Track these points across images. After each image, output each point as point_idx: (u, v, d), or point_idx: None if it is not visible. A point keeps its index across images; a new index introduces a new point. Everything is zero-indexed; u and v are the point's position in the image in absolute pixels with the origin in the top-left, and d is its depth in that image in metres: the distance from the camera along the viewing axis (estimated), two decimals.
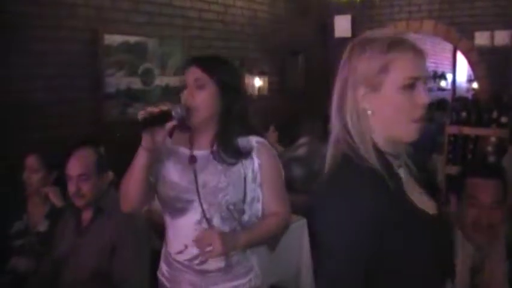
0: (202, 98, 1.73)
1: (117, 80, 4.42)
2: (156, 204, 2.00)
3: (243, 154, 1.76)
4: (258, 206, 1.82)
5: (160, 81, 4.80)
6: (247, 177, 1.77)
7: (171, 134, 1.85)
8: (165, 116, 1.65)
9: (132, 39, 4.53)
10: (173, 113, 1.65)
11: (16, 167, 2.84)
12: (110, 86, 4.37)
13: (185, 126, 1.77)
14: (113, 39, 4.36)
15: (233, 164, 1.76)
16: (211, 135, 1.79)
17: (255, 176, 1.78)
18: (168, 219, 1.87)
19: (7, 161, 3.24)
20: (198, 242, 1.67)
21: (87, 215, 2.41)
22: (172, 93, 4.86)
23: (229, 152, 1.75)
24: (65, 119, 4.02)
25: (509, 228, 2.20)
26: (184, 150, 1.82)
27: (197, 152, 1.80)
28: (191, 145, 1.81)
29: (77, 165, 2.36)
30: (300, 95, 6.63)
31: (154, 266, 2.43)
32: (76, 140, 3.29)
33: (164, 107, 1.65)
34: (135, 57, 4.58)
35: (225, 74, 1.78)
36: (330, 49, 7.39)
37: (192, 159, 1.79)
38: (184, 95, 1.75)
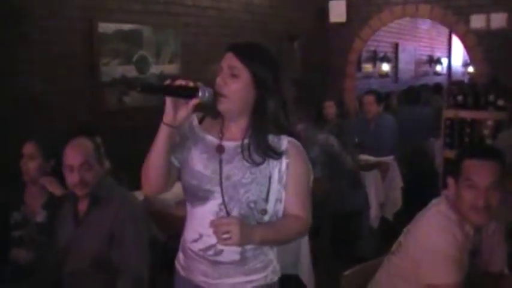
0: (234, 87, 1.66)
1: (113, 69, 4.40)
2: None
3: (273, 154, 1.70)
4: (281, 207, 1.76)
5: (155, 69, 4.78)
6: (272, 177, 1.71)
7: (201, 120, 1.83)
8: (189, 91, 1.59)
9: (127, 27, 4.50)
10: (200, 93, 1.59)
11: (14, 157, 2.83)
12: (106, 75, 4.35)
13: (211, 111, 1.73)
14: (108, 27, 4.33)
15: (260, 164, 1.70)
16: (242, 127, 1.74)
17: (282, 176, 1.72)
18: (188, 207, 1.83)
19: (4, 150, 3.23)
20: (216, 226, 1.59)
21: (84, 205, 2.42)
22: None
23: (260, 148, 1.69)
24: (61, 108, 4.00)
25: (508, 210, 2.21)
26: (213, 139, 1.77)
27: (226, 143, 1.75)
28: (222, 134, 1.76)
29: (78, 154, 2.36)
30: (296, 80, 6.60)
31: (154, 252, 2.46)
32: (73, 129, 3.28)
33: (191, 83, 1.60)
34: (130, 46, 4.56)
35: (262, 66, 1.69)
36: (326, 34, 7.37)
37: (220, 149, 1.74)
38: (218, 80, 1.68)
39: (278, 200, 1.74)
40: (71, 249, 2.39)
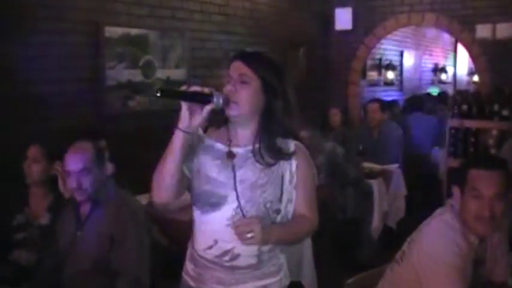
0: (245, 93, 1.72)
1: (118, 73, 4.40)
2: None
3: (284, 155, 1.77)
4: (291, 208, 1.81)
5: (161, 74, 4.78)
6: (284, 178, 1.77)
7: (205, 130, 1.85)
8: (205, 97, 1.65)
9: (133, 31, 4.51)
10: (214, 98, 1.64)
11: (17, 159, 2.84)
12: (111, 79, 4.35)
13: (222, 117, 1.78)
14: (114, 31, 4.34)
15: (272, 165, 1.75)
16: (250, 133, 1.79)
17: (292, 177, 1.78)
18: (197, 215, 1.83)
19: (8, 152, 3.23)
20: (238, 227, 1.64)
21: (86, 208, 2.43)
22: (173, 86, 4.85)
23: (271, 151, 1.75)
24: (66, 111, 4.00)
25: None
26: (222, 147, 1.80)
27: (235, 149, 1.79)
28: (229, 141, 1.80)
29: (77, 160, 2.36)
30: (301, 87, 6.60)
31: (155, 257, 2.46)
32: (77, 132, 3.29)
33: (206, 89, 1.65)
34: (136, 50, 4.56)
35: (270, 72, 1.77)
36: (331, 41, 7.37)
37: (230, 155, 1.78)
38: (227, 88, 1.73)
39: (289, 201, 1.80)
40: (72, 252, 2.39)
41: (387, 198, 4.87)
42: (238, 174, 1.74)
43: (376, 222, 4.60)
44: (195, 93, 1.65)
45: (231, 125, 1.81)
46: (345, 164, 4.24)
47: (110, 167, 2.54)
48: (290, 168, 1.78)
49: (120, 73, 4.42)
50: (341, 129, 5.55)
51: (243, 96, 1.72)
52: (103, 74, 4.29)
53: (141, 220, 2.43)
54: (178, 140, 1.68)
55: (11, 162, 2.89)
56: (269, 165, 1.75)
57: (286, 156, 1.77)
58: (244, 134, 1.80)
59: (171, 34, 4.90)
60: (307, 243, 3.52)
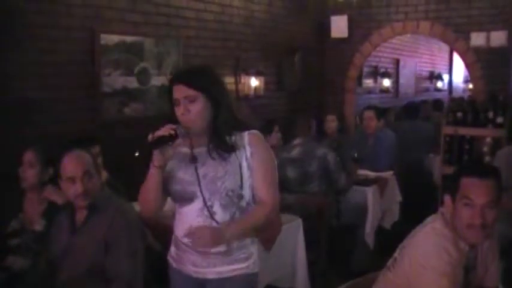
0: (196, 110, 1.95)
1: (114, 80, 4.41)
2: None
3: (235, 147, 1.99)
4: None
5: (156, 81, 4.79)
6: (242, 166, 2.00)
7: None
8: (172, 137, 1.90)
9: (129, 38, 4.52)
10: (178, 132, 1.89)
11: (12, 165, 2.84)
12: (107, 86, 4.36)
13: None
14: (110, 38, 4.35)
15: (227, 158, 1.98)
16: (207, 135, 2.02)
17: (249, 163, 2.01)
18: (176, 207, 2.12)
19: (4, 158, 3.23)
20: (190, 235, 1.97)
21: (81, 214, 2.43)
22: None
23: (222, 148, 1.98)
24: (62, 118, 4.01)
25: (503, 228, 2.21)
26: (186, 150, 2.04)
27: (196, 150, 2.02)
28: (192, 146, 2.02)
29: (78, 165, 2.37)
30: (296, 94, 6.64)
31: (149, 262, 2.46)
32: (73, 138, 3.29)
33: (171, 130, 1.88)
34: (132, 57, 4.57)
35: (210, 86, 1.99)
36: (327, 49, 7.40)
37: (193, 159, 2.01)
38: (178, 112, 1.95)
39: (251, 186, 2.05)
40: (67, 257, 2.39)
41: (381, 205, 4.88)
42: (200, 171, 1.99)
43: (369, 230, 4.60)
44: (163, 137, 1.89)
45: (191, 133, 2.00)
46: (337, 172, 4.21)
47: (103, 174, 2.55)
48: (246, 155, 2.00)
49: (116, 80, 4.43)
50: (335, 136, 5.56)
51: (193, 114, 1.94)
52: (98, 81, 4.30)
53: (135, 227, 2.44)
54: (157, 176, 1.97)
55: (7, 168, 2.89)
56: (225, 159, 1.98)
57: (237, 146, 1.99)
58: (203, 136, 2.02)
59: (167, 41, 4.91)
60: (301, 250, 3.52)
